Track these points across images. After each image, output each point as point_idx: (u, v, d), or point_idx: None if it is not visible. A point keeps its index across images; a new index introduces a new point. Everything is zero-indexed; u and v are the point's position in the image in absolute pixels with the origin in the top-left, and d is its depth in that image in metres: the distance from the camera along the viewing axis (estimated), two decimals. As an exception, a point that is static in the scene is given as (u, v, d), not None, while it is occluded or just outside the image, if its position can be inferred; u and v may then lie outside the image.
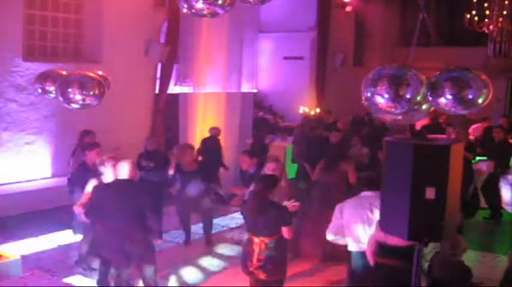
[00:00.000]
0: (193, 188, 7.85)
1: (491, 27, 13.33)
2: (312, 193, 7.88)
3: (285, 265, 5.35)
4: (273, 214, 5.11)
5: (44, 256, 7.32)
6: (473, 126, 12.67)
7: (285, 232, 5.12)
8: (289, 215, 5.20)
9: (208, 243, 8.07)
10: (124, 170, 5.58)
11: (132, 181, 5.75)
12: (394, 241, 4.49)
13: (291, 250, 7.09)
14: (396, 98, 4.24)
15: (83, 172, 6.69)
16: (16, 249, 7.11)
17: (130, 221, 5.53)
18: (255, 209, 5.22)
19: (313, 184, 8.12)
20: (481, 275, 5.98)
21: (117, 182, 5.65)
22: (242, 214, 6.03)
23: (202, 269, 7.16)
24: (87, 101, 6.02)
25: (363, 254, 5.13)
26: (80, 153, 7.46)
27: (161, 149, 9.19)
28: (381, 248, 4.81)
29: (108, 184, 5.76)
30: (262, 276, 5.18)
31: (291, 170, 10.04)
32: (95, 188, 5.90)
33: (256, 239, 5.18)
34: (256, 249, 5.16)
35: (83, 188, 6.46)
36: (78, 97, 5.92)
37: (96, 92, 6.02)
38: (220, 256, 7.68)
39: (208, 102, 10.66)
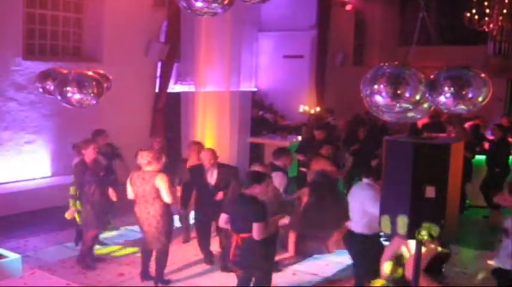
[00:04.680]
0: None
1: (491, 25, 13.27)
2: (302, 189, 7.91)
3: (262, 262, 5.07)
4: (248, 210, 4.98)
5: (44, 255, 7.30)
6: (466, 124, 12.62)
7: (254, 229, 4.87)
8: (264, 213, 5.00)
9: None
10: None
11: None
12: None
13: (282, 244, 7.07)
14: (395, 96, 4.23)
15: (83, 169, 6.77)
16: (16, 249, 7.11)
17: None
18: (231, 203, 5.23)
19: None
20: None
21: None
22: None
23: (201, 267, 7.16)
24: (86, 100, 6.02)
25: None
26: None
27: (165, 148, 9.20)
28: None
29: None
30: (238, 272, 5.11)
31: (293, 170, 9.94)
32: None
33: (234, 235, 5.09)
34: (233, 244, 5.06)
35: (81, 184, 6.63)
36: (77, 96, 5.92)
37: (95, 91, 6.02)
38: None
39: (208, 101, 10.64)
